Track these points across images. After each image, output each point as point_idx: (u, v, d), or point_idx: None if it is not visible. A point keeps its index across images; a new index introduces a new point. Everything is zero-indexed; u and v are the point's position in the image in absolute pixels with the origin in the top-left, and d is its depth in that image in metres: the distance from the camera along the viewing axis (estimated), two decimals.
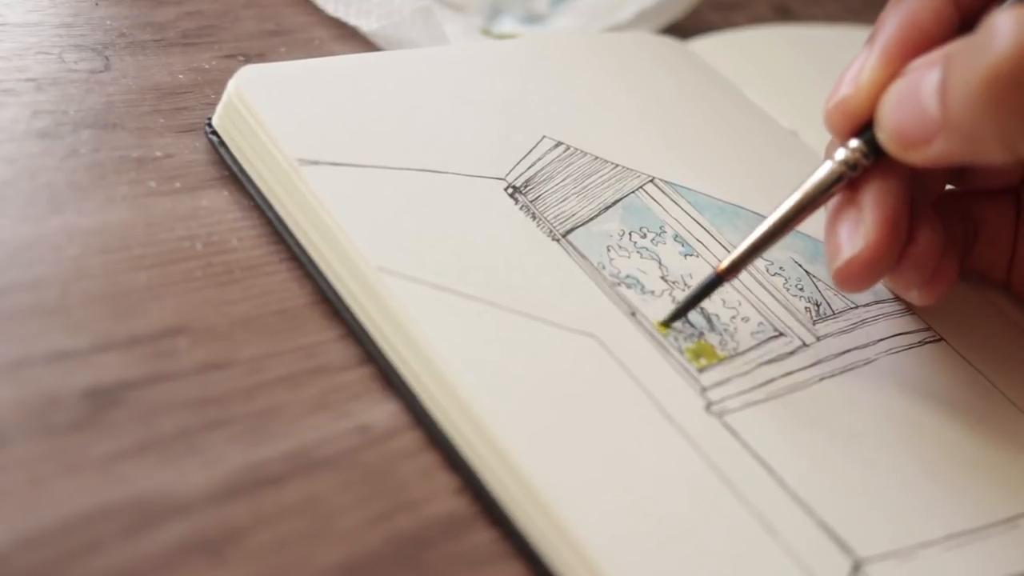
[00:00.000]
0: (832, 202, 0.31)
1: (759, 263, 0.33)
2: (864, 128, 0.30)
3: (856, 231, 0.29)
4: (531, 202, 0.32)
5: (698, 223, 0.34)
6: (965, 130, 0.26)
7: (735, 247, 0.32)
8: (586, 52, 0.41)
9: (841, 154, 0.30)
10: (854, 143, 0.30)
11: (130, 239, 0.29)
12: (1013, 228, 0.34)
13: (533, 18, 0.45)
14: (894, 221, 0.29)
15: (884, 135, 0.29)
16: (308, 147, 0.31)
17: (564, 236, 0.32)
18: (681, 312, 0.30)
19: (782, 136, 0.41)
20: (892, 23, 0.30)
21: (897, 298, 0.34)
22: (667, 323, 0.30)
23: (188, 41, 0.37)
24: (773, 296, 0.32)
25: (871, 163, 0.30)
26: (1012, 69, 0.25)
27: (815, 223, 0.34)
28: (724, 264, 0.30)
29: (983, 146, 0.26)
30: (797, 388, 0.30)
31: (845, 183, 0.30)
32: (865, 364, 0.32)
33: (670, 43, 0.43)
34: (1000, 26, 0.25)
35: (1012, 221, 0.34)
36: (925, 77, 0.28)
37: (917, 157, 0.28)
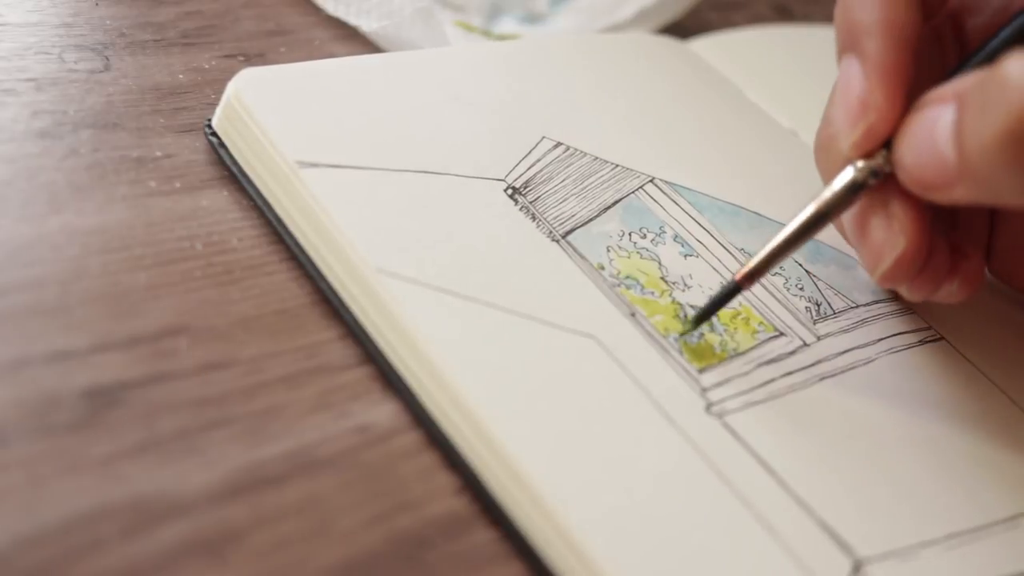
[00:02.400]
0: (852, 210, 0.30)
1: None
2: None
3: (891, 229, 0.29)
4: (531, 203, 0.32)
5: (698, 223, 0.34)
6: (983, 179, 0.26)
7: (735, 247, 0.33)
8: (586, 53, 0.41)
9: (862, 162, 0.29)
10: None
11: (130, 239, 0.29)
12: (988, 213, 0.34)
13: (533, 18, 0.45)
14: (926, 217, 0.29)
15: (905, 177, 0.28)
16: (307, 149, 0.31)
17: (564, 237, 0.32)
18: (700, 320, 0.30)
19: (782, 136, 0.41)
20: (873, 32, 0.30)
21: (897, 297, 0.34)
22: (685, 332, 0.30)
23: (188, 41, 0.37)
24: (773, 296, 0.32)
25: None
26: None
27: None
28: (742, 272, 0.30)
29: (1002, 194, 0.26)
30: (797, 388, 0.30)
31: (866, 192, 0.29)
32: (865, 364, 0.31)
33: (670, 43, 0.43)
34: (1014, 75, 0.25)
35: (987, 207, 0.34)
36: (940, 118, 0.27)
37: (940, 198, 0.28)
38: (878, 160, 0.29)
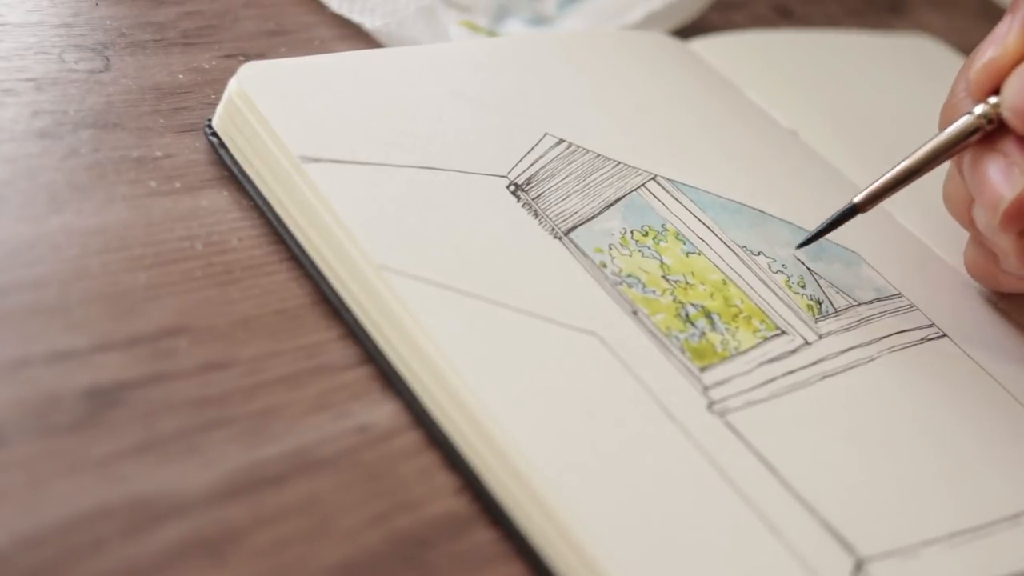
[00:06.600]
0: (969, 157, 0.32)
1: (761, 260, 0.33)
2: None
3: (1011, 173, 0.31)
4: (533, 200, 0.32)
5: (700, 221, 0.34)
6: None
7: (737, 244, 0.33)
8: (587, 50, 0.40)
9: (980, 108, 0.31)
10: (993, 99, 0.31)
11: (130, 239, 0.29)
12: None
13: (540, 20, 0.45)
14: None
15: (1007, 113, 0.30)
16: (310, 144, 0.31)
17: (566, 234, 0.32)
18: (814, 238, 0.33)
19: (782, 136, 0.40)
20: None
21: (901, 294, 0.34)
22: (800, 246, 0.34)
23: (188, 41, 0.37)
24: (775, 294, 0.32)
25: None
26: None
27: (812, 218, 0.34)
28: (860, 196, 0.33)
29: None
30: (799, 387, 0.30)
31: (980, 136, 0.31)
32: (867, 362, 0.31)
33: (670, 43, 0.43)
34: None
35: None
36: None
37: None
38: (989, 108, 0.31)
